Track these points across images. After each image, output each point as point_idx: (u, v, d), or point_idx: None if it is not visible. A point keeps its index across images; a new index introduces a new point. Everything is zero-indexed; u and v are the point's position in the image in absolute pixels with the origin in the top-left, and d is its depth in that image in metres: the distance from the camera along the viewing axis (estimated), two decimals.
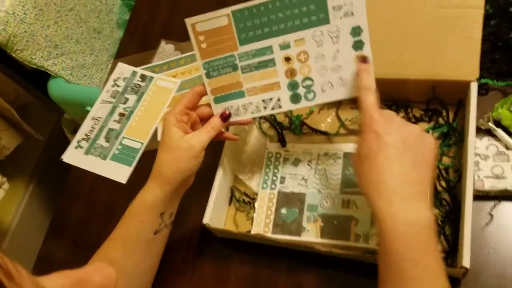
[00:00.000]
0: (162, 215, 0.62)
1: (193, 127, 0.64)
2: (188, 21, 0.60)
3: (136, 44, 1.02)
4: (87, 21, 1.34)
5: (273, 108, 0.63)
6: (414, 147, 0.51)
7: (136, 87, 0.92)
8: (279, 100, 0.63)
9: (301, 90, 0.62)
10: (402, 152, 0.50)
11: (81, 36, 1.33)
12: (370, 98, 0.54)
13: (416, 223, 0.48)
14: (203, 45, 0.61)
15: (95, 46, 1.38)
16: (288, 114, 0.79)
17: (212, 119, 0.63)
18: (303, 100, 0.62)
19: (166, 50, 0.95)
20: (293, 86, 0.62)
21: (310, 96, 0.62)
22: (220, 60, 0.62)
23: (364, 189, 0.52)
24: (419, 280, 0.46)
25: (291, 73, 0.61)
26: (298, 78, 0.61)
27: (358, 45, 0.58)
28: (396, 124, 0.52)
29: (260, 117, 0.81)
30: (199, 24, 0.59)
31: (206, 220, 0.67)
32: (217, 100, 0.64)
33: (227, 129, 0.75)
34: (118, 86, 0.94)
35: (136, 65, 0.95)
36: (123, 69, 0.95)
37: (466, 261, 0.55)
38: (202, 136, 0.61)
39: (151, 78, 0.92)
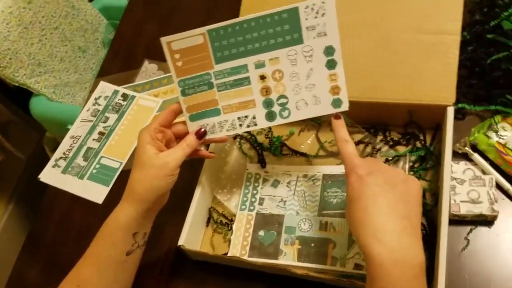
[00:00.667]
0: (135, 235, 0.61)
1: (168, 145, 0.64)
2: (164, 40, 0.60)
3: (120, 63, 1.02)
4: (72, 40, 1.34)
5: (248, 126, 0.64)
6: (399, 185, 0.51)
7: (117, 106, 0.92)
8: (254, 117, 0.63)
9: (276, 108, 0.62)
10: (387, 189, 0.50)
11: (66, 54, 1.32)
12: (350, 147, 0.55)
13: (403, 261, 0.46)
14: (179, 63, 0.61)
15: (79, 65, 1.37)
16: (268, 135, 0.79)
17: (188, 136, 0.63)
18: (278, 118, 0.63)
19: (149, 69, 0.95)
20: (268, 104, 0.62)
21: (285, 113, 0.62)
22: (195, 78, 0.62)
23: (352, 229, 0.51)
24: None
25: (266, 91, 0.62)
26: (273, 96, 0.62)
27: (331, 64, 0.59)
28: (378, 167, 0.52)
29: (241, 138, 0.81)
30: (175, 42, 0.60)
31: (181, 241, 0.66)
32: (193, 118, 0.64)
33: (207, 147, 0.74)
34: (99, 104, 0.93)
35: (118, 84, 0.95)
36: (105, 88, 0.95)
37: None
38: (177, 154, 0.60)
39: (133, 97, 0.92)
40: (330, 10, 0.56)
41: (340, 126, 0.58)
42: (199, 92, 0.63)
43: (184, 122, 0.65)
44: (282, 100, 0.62)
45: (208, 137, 0.65)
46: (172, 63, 0.61)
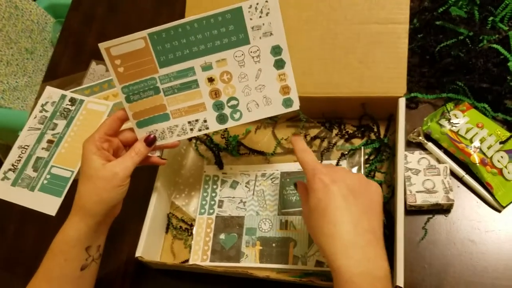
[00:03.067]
0: (88, 249, 0.58)
1: (116, 154, 0.61)
2: (102, 46, 0.57)
3: (67, 65, 0.97)
4: (18, 42, 1.28)
5: (200, 130, 0.62)
6: (361, 194, 0.50)
7: (65, 111, 0.88)
8: (205, 121, 0.61)
9: (227, 110, 0.61)
10: (351, 200, 0.50)
11: (12, 57, 1.26)
12: (310, 155, 0.55)
13: (370, 273, 0.47)
14: (120, 69, 0.58)
15: (28, 67, 1.31)
16: (224, 135, 0.78)
17: (136, 144, 0.60)
18: (230, 120, 0.61)
19: (97, 71, 0.91)
20: (218, 106, 0.60)
21: (237, 115, 0.61)
22: (140, 83, 0.59)
23: (318, 241, 0.50)
24: None
25: (215, 93, 0.60)
26: (223, 98, 0.60)
27: (279, 64, 0.57)
28: (340, 173, 0.52)
29: (197, 140, 0.79)
30: (114, 48, 0.57)
31: (139, 253, 0.64)
32: (140, 125, 0.61)
33: (161, 152, 0.72)
34: (46, 111, 0.89)
35: (65, 88, 0.91)
36: (51, 93, 0.90)
37: (400, 280, 0.55)
38: (126, 163, 0.58)
39: (81, 101, 0.88)
40: (274, 9, 0.55)
41: (299, 139, 0.58)
42: (145, 98, 0.60)
43: (132, 129, 0.62)
44: (233, 102, 0.60)
45: (158, 143, 0.62)
46: (113, 69, 0.59)
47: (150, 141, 0.61)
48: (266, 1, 0.54)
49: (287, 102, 0.59)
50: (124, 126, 0.63)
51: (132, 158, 0.59)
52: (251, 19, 0.55)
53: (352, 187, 0.50)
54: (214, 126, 0.62)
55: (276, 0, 0.54)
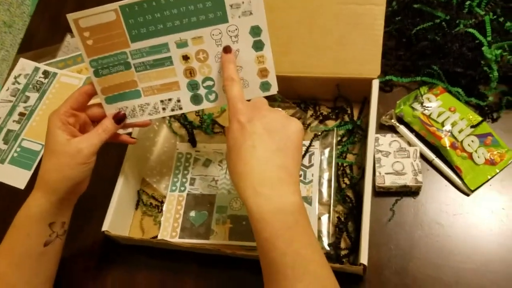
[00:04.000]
0: (52, 225, 0.57)
1: (83, 130, 0.59)
2: (70, 17, 0.55)
3: (42, 37, 0.95)
4: None
5: (173, 110, 0.60)
6: (278, 132, 0.50)
7: (38, 84, 0.86)
8: (179, 101, 0.60)
9: (202, 91, 0.59)
10: (265, 138, 0.49)
11: None
12: (235, 89, 0.52)
13: (281, 209, 0.46)
14: (89, 42, 0.56)
15: (5, 41, 1.28)
16: (199, 112, 0.77)
17: (104, 121, 0.59)
18: (205, 101, 0.59)
19: (71, 44, 0.89)
20: (193, 86, 0.59)
21: (212, 97, 0.59)
22: (109, 57, 0.57)
23: (233, 181, 0.50)
24: (291, 268, 0.44)
25: (190, 72, 0.58)
26: (198, 78, 0.58)
27: (258, 46, 0.55)
28: (260, 112, 0.51)
29: (170, 117, 0.78)
30: (83, 19, 0.55)
31: (105, 227, 0.63)
32: (109, 100, 0.60)
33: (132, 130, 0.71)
34: (18, 83, 0.87)
35: (39, 60, 0.89)
36: (25, 65, 0.88)
37: (364, 259, 0.55)
38: (92, 140, 0.56)
39: (55, 74, 0.86)
40: None
41: (229, 62, 0.55)
42: (114, 73, 0.58)
43: (100, 104, 0.60)
44: (208, 83, 0.58)
45: (128, 121, 0.60)
46: (81, 42, 0.56)
47: (119, 118, 0.59)
48: None
49: (265, 86, 0.57)
50: (93, 101, 0.61)
51: (99, 135, 0.57)
52: None
53: (269, 125, 0.50)
54: (188, 107, 0.60)
55: None
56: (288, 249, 0.45)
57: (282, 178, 0.48)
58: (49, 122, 0.56)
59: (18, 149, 0.80)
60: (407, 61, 0.73)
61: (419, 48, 0.71)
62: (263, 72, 0.57)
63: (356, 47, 0.67)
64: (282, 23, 0.69)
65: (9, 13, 1.30)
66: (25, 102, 0.85)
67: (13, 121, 0.83)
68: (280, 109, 0.56)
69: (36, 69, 0.88)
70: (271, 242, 0.45)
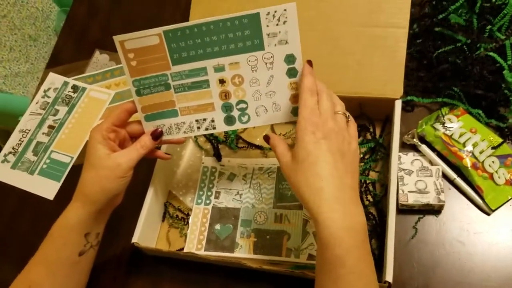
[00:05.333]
0: (87, 236, 0.60)
1: (123, 145, 0.62)
2: (116, 39, 0.57)
3: (70, 52, 0.98)
4: (22, 28, 1.29)
5: (206, 129, 0.62)
6: (346, 154, 0.52)
7: (67, 98, 0.89)
8: (213, 121, 0.62)
9: (235, 113, 0.61)
10: (338, 158, 0.51)
11: (15, 43, 1.27)
12: (313, 101, 0.53)
13: (353, 228, 0.48)
14: (133, 63, 0.59)
15: (31, 54, 1.32)
16: None
17: (142, 137, 0.61)
18: (237, 123, 0.62)
19: (100, 60, 0.92)
20: (227, 108, 0.61)
21: (245, 119, 0.61)
22: (151, 78, 0.60)
23: (301, 193, 0.50)
24: (353, 286, 0.47)
25: (225, 95, 0.60)
26: (233, 100, 0.61)
27: (291, 73, 0.58)
28: (333, 130, 0.52)
29: None
30: (128, 42, 0.58)
31: (135, 239, 0.65)
32: (148, 118, 0.62)
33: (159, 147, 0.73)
34: (48, 97, 0.90)
35: (68, 75, 0.92)
36: (54, 79, 0.91)
37: (389, 276, 0.56)
38: (131, 155, 0.59)
39: (84, 89, 0.89)
40: (291, 18, 0.55)
41: (311, 74, 0.56)
42: (155, 93, 0.61)
43: (139, 122, 0.63)
44: (242, 105, 0.61)
45: (164, 138, 0.63)
46: (125, 62, 0.59)
47: (156, 135, 0.62)
48: (285, 10, 0.55)
49: (296, 111, 0.58)
50: (132, 118, 0.63)
51: (137, 151, 0.60)
52: (267, 26, 0.56)
53: (340, 145, 0.52)
54: (221, 127, 0.62)
55: (294, 9, 0.54)
56: (356, 267, 0.47)
57: (352, 198, 0.50)
58: (91, 137, 0.59)
59: (48, 161, 0.83)
60: (428, 82, 0.75)
61: (440, 70, 0.73)
62: (295, 98, 0.59)
63: (379, 67, 0.69)
64: (306, 43, 0.70)
65: (34, 27, 1.34)
66: (54, 115, 0.87)
67: (43, 133, 0.86)
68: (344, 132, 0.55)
69: (65, 84, 0.91)
70: (342, 259, 0.47)
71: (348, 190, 0.50)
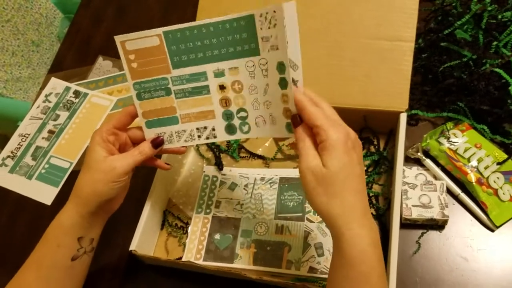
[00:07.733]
0: (80, 240, 0.58)
1: (123, 149, 0.60)
2: (118, 38, 0.57)
3: (73, 58, 0.98)
4: (25, 33, 1.28)
5: (207, 138, 0.61)
6: (362, 163, 0.51)
7: (68, 103, 0.88)
8: (214, 129, 0.60)
9: (236, 121, 0.59)
10: (363, 170, 0.50)
11: (18, 48, 1.27)
12: (321, 110, 0.50)
13: (375, 242, 0.48)
14: (134, 65, 0.58)
15: (33, 60, 1.32)
16: None
17: (142, 143, 0.60)
18: (238, 132, 0.60)
19: (103, 66, 0.92)
20: (228, 116, 0.59)
21: (245, 128, 0.59)
22: (152, 81, 0.59)
23: (331, 207, 0.47)
24: None
25: (226, 102, 0.59)
26: (233, 108, 0.59)
27: (283, 83, 0.52)
28: (356, 140, 0.50)
29: None
30: (129, 42, 0.57)
31: (133, 246, 0.64)
32: (149, 125, 0.61)
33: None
34: (49, 101, 0.89)
35: (70, 80, 0.91)
36: (56, 84, 0.91)
37: None
38: (127, 160, 0.57)
39: (86, 94, 0.89)
40: (280, 22, 0.49)
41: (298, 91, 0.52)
42: (155, 97, 0.60)
43: (141, 128, 0.61)
44: (242, 114, 0.59)
45: (165, 146, 0.61)
46: (126, 64, 0.58)
47: (157, 144, 0.60)
48: (274, 11, 0.49)
49: (289, 127, 0.54)
50: (134, 124, 0.62)
51: (134, 156, 0.58)
52: (261, 28, 0.52)
53: (359, 158, 0.50)
54: (222, 136, 0.60)
55: (282, 12, 0.48)
56: (377, 284, 0.46)
57: (369, 211, 0.49)
58: (91, 138, 0.58)
59: (46, 166, 0.82)
60: (433, 96, 0.74)
61: (445, 85, 0.73)
62: (287, 112, 0.53)
63: (384, 80, 0.69)
64: (312, 54, 0.71)
65: (37, 33, 1.34)
66: (55, 120, 0.87)
67: (42, 138, 0.85)
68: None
69: (67, 89, 0.90)
70: (367, 275, 0.46)
71: (367, 203, 0.49)
